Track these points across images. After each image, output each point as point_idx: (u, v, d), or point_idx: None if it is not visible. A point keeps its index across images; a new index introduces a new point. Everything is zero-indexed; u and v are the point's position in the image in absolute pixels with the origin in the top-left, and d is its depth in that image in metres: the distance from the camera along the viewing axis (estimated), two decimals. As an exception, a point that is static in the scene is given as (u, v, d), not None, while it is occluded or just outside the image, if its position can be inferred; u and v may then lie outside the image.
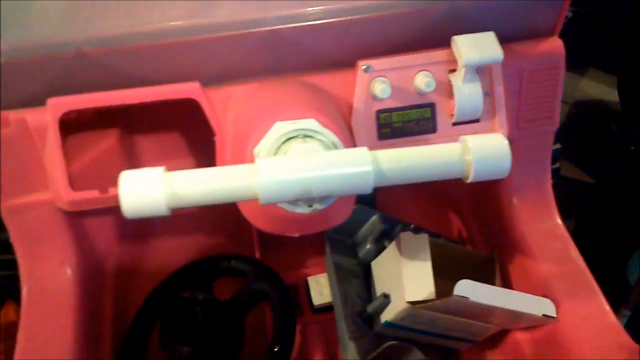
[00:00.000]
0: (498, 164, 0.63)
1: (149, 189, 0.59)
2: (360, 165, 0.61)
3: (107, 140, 0.93)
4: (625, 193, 1.60)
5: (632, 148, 1.70)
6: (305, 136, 0.68)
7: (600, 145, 1.87)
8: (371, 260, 0.98)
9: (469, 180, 0.64)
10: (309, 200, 0.68)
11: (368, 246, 0.98)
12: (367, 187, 0.62)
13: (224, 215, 1.09)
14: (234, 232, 1.09)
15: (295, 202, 0.69)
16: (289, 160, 0.62)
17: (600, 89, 2.06)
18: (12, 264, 1.09)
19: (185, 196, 0.60)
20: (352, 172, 0.61)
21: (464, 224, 1.07)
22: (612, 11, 1.84)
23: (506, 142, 0.63)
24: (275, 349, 0.87)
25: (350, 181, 0.61)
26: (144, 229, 1.07)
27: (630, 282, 1.41)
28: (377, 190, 1.09)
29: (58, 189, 0.79)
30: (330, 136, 0.69)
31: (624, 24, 1.80)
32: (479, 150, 0.62)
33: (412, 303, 0.84)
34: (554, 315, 0.82)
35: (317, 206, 0.69)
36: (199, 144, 0.96)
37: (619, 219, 1.55)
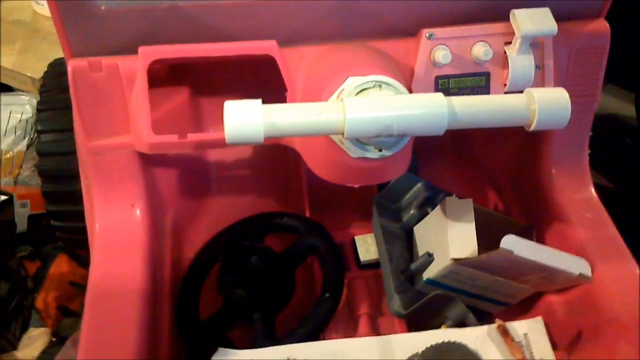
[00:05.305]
0: (560, 114, 0.69)
1: (250, 117, 0.65)
2: (437, 107, 0.67)
3: (178, 98, 1.00)
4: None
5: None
6: (379, 86, 0.75)
7: (616, 155, 1.92)
8: (414, 225, 1.03)
9: (532, 128, 0.70)
10: (381, 144, 0.75)
11: (412, 211, 1.04)
12: (441, 128, 0.68)
13: (275, 179, 1.16)
14: (285, 196, 1.15)
15: (366, 147, 0.75)
16: (373, 99, 0.69)
17: (618, 104, 2.11)
18: (67, 216, 1.15)
19: (280, 126, 0.66)
20: (429, 113, 0.67)
21: (501, 197, 1.13)
22: (630, 28, 1.88)
23: (567, 95, 0.69)
24: (326, 295, 0.93)
25: (428, 121, 0.67)
26: (201, 186, 1.13)
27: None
28: (419, 162, 1.16)
29: (141, 131, 0.85)
30: (400, 87, 0.76)
31: (641, 41, 1.84)
32: (544, 101, 0.68)
33: (456, 260, 0.90)
34: (589, 274, 0.88)
35: (386, 152, 0.76)
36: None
37: (636, 224, 1.60)
